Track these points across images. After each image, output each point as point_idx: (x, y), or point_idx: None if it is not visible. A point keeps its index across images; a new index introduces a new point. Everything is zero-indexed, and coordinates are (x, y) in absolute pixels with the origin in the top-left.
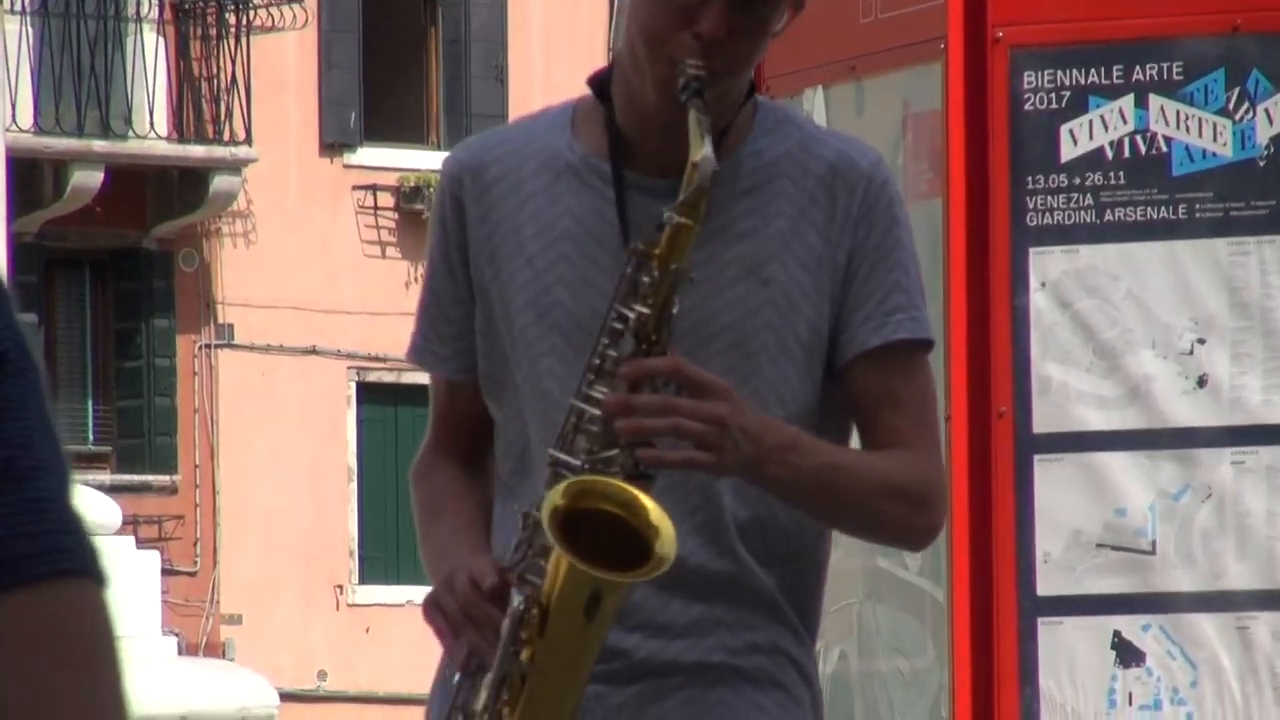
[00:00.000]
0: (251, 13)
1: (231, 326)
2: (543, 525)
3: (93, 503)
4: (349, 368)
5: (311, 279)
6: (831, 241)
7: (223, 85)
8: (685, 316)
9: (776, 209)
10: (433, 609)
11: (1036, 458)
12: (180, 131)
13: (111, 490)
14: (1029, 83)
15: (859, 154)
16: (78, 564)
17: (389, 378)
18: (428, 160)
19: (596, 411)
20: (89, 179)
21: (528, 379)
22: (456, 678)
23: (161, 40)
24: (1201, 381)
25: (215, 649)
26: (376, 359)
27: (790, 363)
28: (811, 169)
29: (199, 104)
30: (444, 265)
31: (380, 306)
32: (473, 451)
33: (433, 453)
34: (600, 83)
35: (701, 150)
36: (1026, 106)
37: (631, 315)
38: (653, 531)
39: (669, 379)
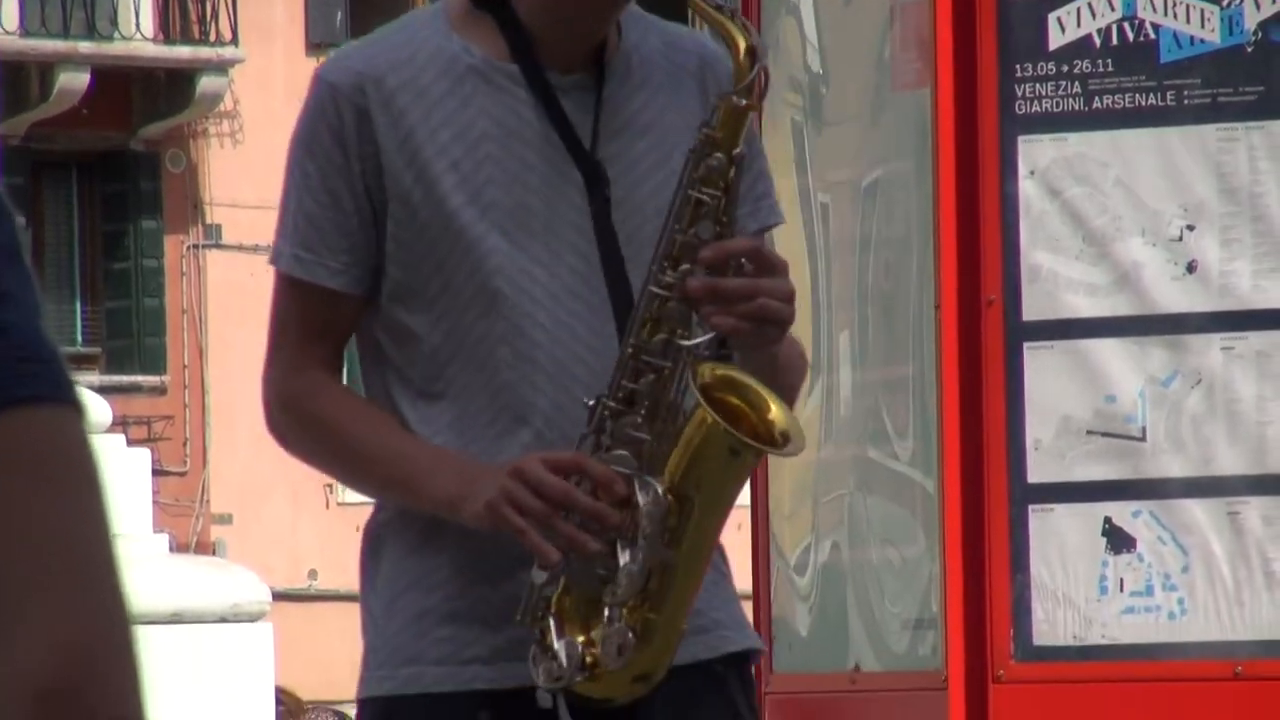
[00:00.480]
0: None
1: (219, 227)
2: (681, 398)
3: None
4: None
5: None
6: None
7: None
8: (623, 203)
9: (665, 102)
10: (507, 508)
11: (1026, 345)
12: (166, 32)
13: (101, 391)
14: None
15: (715, 47)
16: (45, 390)
17: None
18: None
19: (673, 296)
20: (75, 81)
21: (471, 279)
22: (538, 575)
23: None
24: (1191, 267)
25: (205, 549)
26: None
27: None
28: (681, 63)
29: (185, 4)
30: (339, 178)
31: None
32: (340, 366)
33: (307, 369)
34: None
35: (747, 36)
36: None
37: (707, 199)
38: (772, 424)
39: (749, 258)
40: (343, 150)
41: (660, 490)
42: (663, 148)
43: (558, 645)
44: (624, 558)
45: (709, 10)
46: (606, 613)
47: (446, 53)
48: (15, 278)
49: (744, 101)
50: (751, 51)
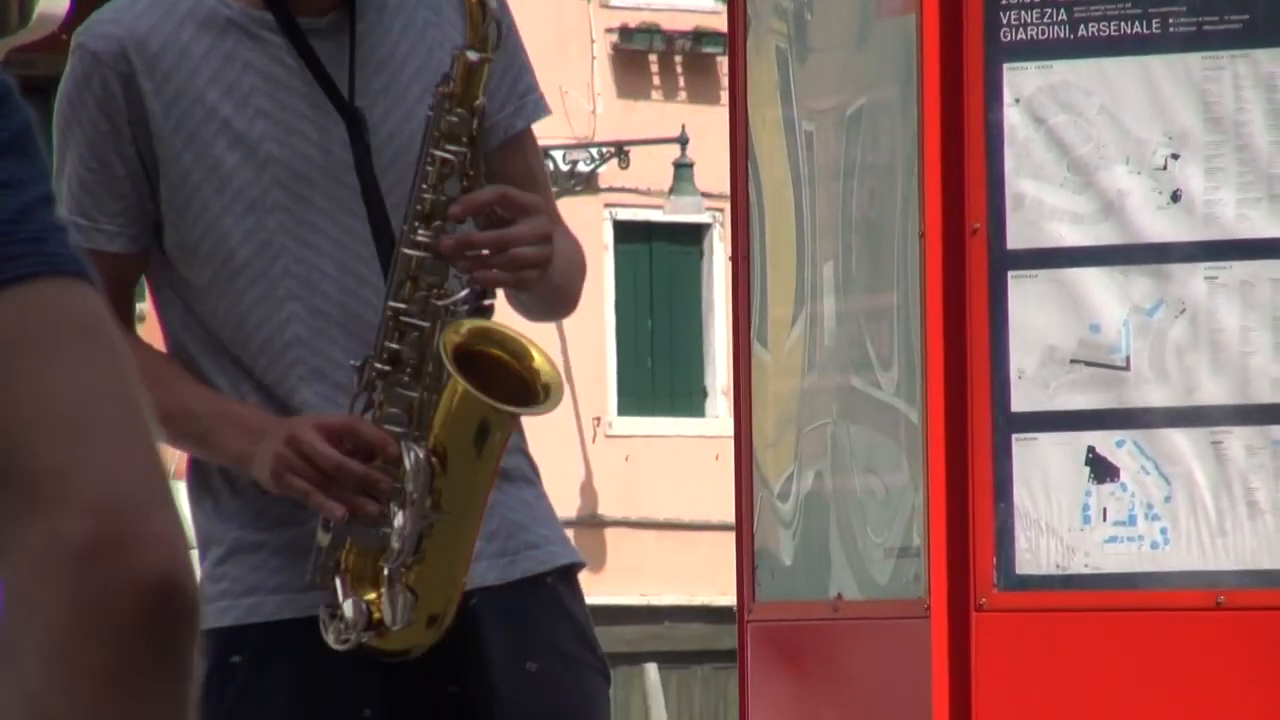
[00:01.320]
0: None
1: None
2: (435, 363)
3: None
4: None
5: None
6: (461, 31)
7: None
8: (391, 141)
9: (425, 21)
10: (287, 475)
11: (1010, 274)
12: None
13: None
14: None
15: None
16: (26, 269)
17: None
18: None
19: (427, 256)
20: (55, 5)
21: (252, 238)
22: (322, 537)
23: None
24: (1175, 197)
25: None
26: None
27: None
28: None
29: None
30: (106, 145)
31: None
32: (133, 325)
33: None
34: None
35: None
36: None
37: (450, 156)
38: (535, 375)
39: (498, 206)
40: (109, 119)
41: (421, 454)
42: (428, 73)
43: (345, 605)
44: (396, 520)
45: None
46: (386, 572)
47: (205, 7)
48: (12, 168)
49: (476, 55)
50: (482, 4)
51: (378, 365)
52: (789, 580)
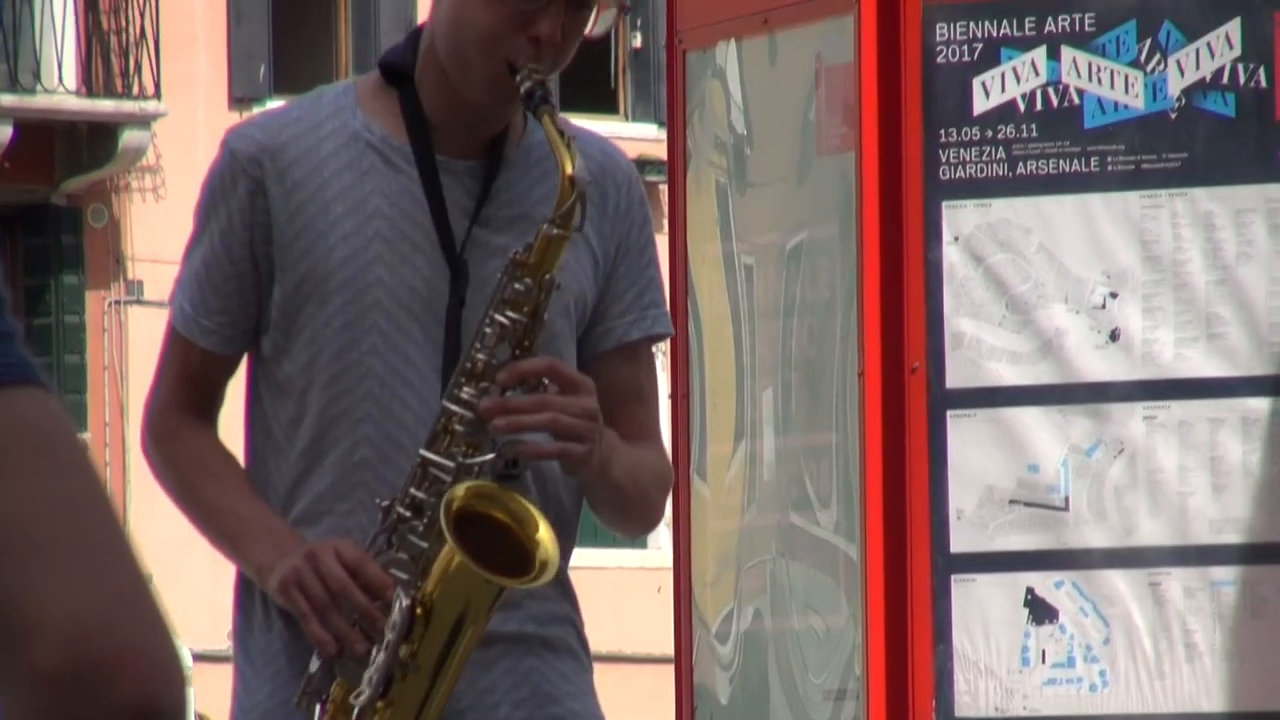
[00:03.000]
0: None
1: (141, 283)
2: (429, 520)
3: None
4: None
5: None
6: (603, 235)
7: (132, 39)
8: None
9: (585, 206)
10: (295, 589)
11: (949, 413)
12: (89, 86)
13: None
14: (941, 35)
15: (618, 153)
16: (23, 374)
17: None
18: None
19: (468, 413)
20: None
21: (345, 354)
22: (315, 663)
23: None
24: (1114, 336)
25: None
26: None
27: (574, 345)
28: (598, 172)
29: (108, 58)
30: (224, 242)
31: None
32: (213, 414)
33: (177, 411)
34: (395, 66)
35: (574, 163)
36: (939, 59)
37: (507, 322)
38: (536, 545)
39: (544, 377)
40: (235, 217)
41: (407, 603)
42: None
43: None
44: (372, 659)
45: (550, 129)
46: (356, 710)
47: (349, 128)
48: None
49: (556, 230)
50: (571, 180)
51: (399, 509)
52: None
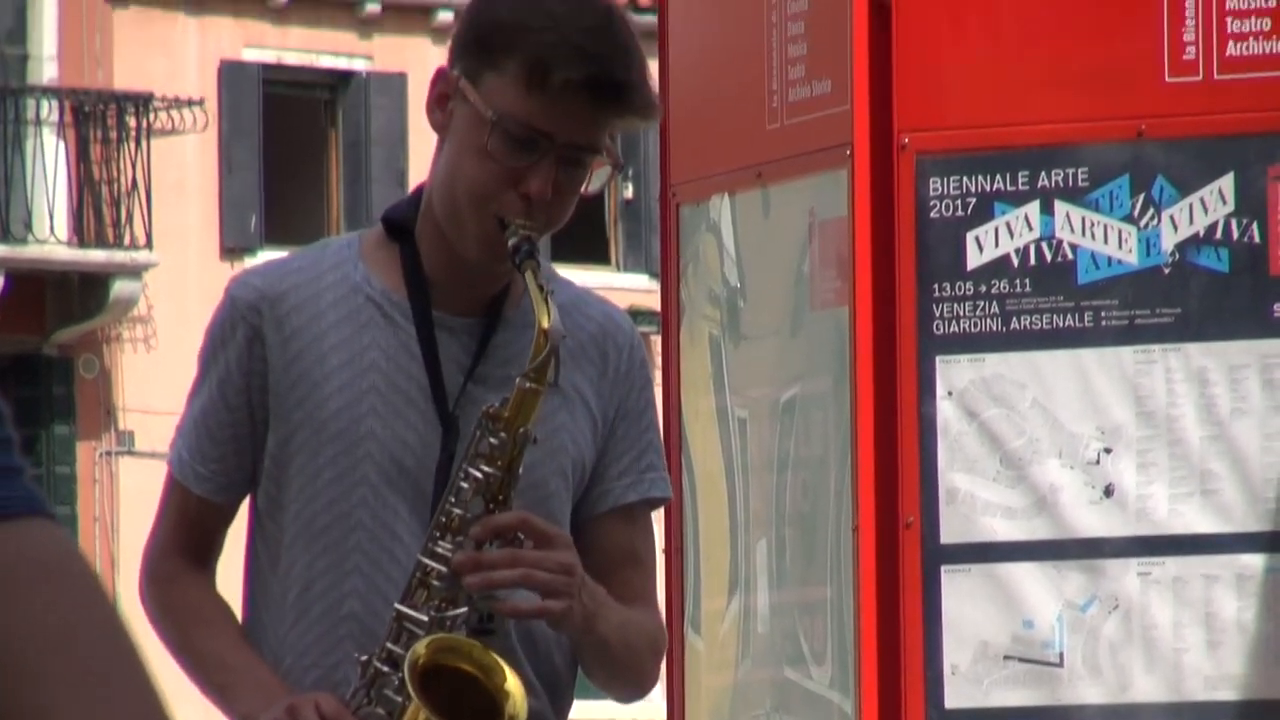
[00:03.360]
0: (152, 115)
1: (132, 434)
2: (402, 676)
3: None
4: None
5: None
6: (603, 397)
7: (123, 189)
8: None
9: (564, 356)
10: None
11: (944, 568)
12: (81, 236)
13: None
14: (935, 189)
15: (620, 315)
16: (31, 506)
17: None
18: None
19: (442, 568)
20: None
21: (334, 505)
22: None
23: (62, 144)
24: (1108, 491)
25: None
26: None
27: (569, 506)
28: (584, 326)
29: (99, 208)
30: (221, 390)
31: None
32: (210, 561)
33: (173, 556)
34: (397, 221)
35: (549, 317)
36: (932, 213)
37: (480, 476)
38: (505, 696)
39: (517, 531)
40: (233, 365)
41: None
42: (550, 404)
43: None
44: None
45: (531, 282)
46: None
47: (350, 280)
48: None
49: (530, 384)
50: (546, 334)
51: (376, 664)
52: None
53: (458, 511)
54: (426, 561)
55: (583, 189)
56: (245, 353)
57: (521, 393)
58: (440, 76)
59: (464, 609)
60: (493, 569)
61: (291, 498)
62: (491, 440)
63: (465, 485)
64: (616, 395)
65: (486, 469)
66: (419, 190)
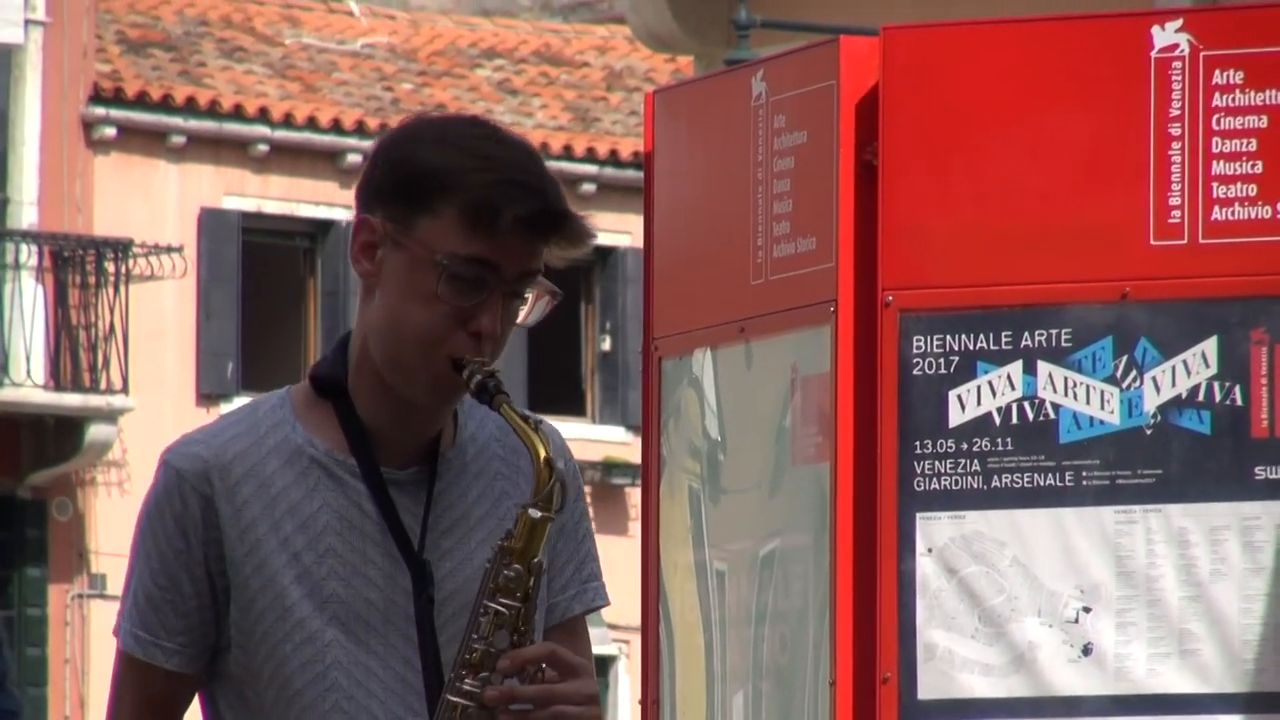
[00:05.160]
0: (131, 261)
1: (105, 577)
2: None
3: None
4: None
5: None
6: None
7: (101, 333)
8: (454, 598)
9: (500, 490)
10: None
11: None
12: (57, 379)
13: None
14: (918, 347)
15: (550, 428)
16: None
17: None
18: None
19: (472, 705)
20: None
21: (308, 668)
22: None
23: (40, 288)
24: (1086, 650)
25: None
26: None
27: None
28: (516, 446)
29: (76, 352)
30: (179, 562)
31: None
32: None
33: None
34: (327, 379)
35: (547, 447)
36: (915, 371)
37: (503, 609)
38: None
39: (547, 664)
40: (184, 537)
41: None
42: (497, 535)
43: None
44: None
45: (515, 418)
46: None
47: (291, 444)
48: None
49: (539, 514)
50: (549, 463)
51: None
52: None
53: (480, 647)
54: (455, 700)
55: (520, 319)
56: (200, 523)
57: (531, 522)
58: (363, 224)
59: None
60: (526, 703)
61: (261, 663)
62: (508, 573)
63: (485, 620)
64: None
65: (506, 601)
66: (344, 341)
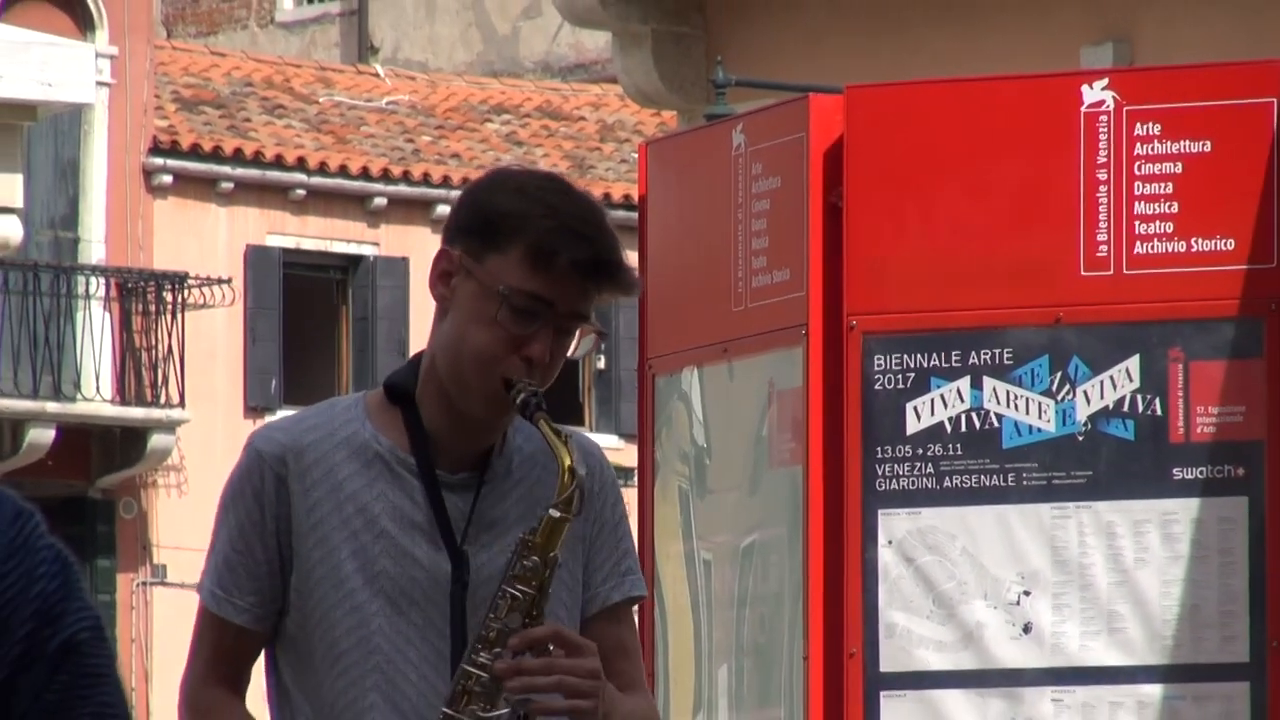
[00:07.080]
0: (186, 291)
1: (165, 567)
2: None
3: None
4: None
5: None
6: (584, 517)
7: (160, 355)
8: (484, 585)
9: (537, 497)
10: None
11: (883, 694)
12: (122, 395)
13: None
14: (879, 365)
15: (587, 441)
16: None
17: None
18: None
19: (485, 675)
20: (42, 436)
21: (354, 633)
22: None
23: (107, 315)
24: (1026, 628)
25: None
26: None
27: (572, 624)
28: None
29: (139, 371)
30: (255, 531)
31: None
32: (243, 690)
33: (211, 686)
34: (398, 387)
35: (573, 457)
36: (876, 386)
37: (518, 594)
38: None
39: (550, 643)
40: (261, 509)
41: None
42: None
43: None
44: None
45: (547, 430)
46: None
47: (360, 439)
48: (119, 703)
49: (559, 514)
50: (571, 471)
51: None
52: None
53: (496, 626)
54: (470, 669)
55: (570, 352)
56: (274, 499)
57: (551, 522)
58: (443, 255)
59: (504, 710)
60: (532, 675)
61: (314, 625)
62: (526, 563)
63: (502, 602)
64: (592, 512)
65: (522, 588)
66: (418, 358)
